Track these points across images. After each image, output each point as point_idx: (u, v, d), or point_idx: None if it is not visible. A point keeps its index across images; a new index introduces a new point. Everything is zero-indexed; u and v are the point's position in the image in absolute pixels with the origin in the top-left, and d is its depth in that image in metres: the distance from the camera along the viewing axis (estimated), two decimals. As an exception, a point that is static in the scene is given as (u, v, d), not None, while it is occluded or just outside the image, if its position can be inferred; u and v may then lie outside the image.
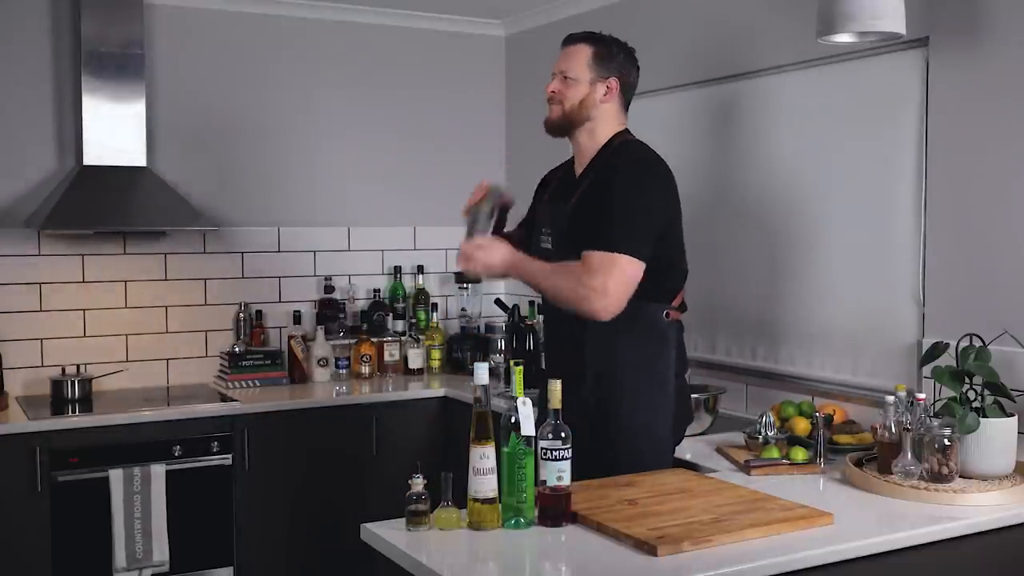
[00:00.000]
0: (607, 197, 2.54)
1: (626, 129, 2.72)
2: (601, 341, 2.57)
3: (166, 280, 4.23)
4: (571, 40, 2.71)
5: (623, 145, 2.66)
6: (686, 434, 3.05)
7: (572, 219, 2.63)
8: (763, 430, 2.73)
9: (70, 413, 3.71)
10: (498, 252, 2.60)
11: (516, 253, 2.61)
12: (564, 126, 2.69)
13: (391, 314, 4.60)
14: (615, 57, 2.68)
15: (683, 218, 2.67)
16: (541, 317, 2.94)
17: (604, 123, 2.67)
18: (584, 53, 2.66)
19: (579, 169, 2.72)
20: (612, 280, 2.44)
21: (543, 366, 3.09)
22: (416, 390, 4.22)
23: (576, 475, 2.13)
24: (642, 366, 2.58)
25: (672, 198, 2.63)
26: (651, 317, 2.59)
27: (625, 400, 2.56)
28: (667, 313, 2.62)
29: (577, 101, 2.65)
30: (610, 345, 2.57)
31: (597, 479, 2.34)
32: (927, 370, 2.54)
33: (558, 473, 2.05)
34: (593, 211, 2.56)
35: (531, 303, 4.28)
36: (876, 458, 2.46)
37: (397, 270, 4.66)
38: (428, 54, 4.73)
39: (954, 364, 2.40)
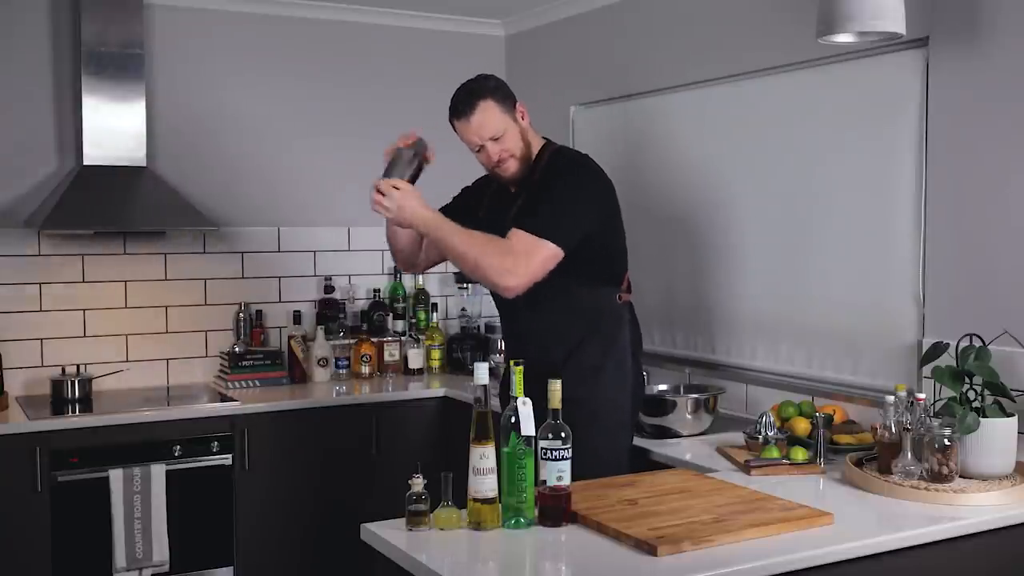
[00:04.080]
0: (544, 190, 2.67)
1: (548, 139, 2.87)
2: (564, 324, 2.71)
3: (166, 280, 4.23)
4: (470, 108, 2.73)
5: (555, 152, 2.81)
6: (685, 435, 3.06)
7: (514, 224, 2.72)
8: (763, 430, 2.73)
9: (70, 413, 3.71)
10: (415, 199, 2.64)
11: (433, 209, 2.66)
12: (524, 171, 2.79)
13: (391, 314, 4.60)
14: (502, 87, 2.80)
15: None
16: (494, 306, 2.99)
17: (533, 141, 2.82)
18: (491, 106, 2.74)
19: (514, 186, 2.83)
20: (532, 263, 2.57)
21: (505, 355, 3.19)
22: (416, 390, 4.22)
23: None
24: (603, 345, 2.74)
25: (607, 194, 2.76)
26: (607, 300, 2.77)
27: (590, 376, 2.71)
28: (619, 296, 2.80)
29: (521, 143, 2.77)
30: (574, 327, 2.73)
31: (597, 479, 2.35)
32: (927, 370, 2.53)
33: (558, 473, 2.05)
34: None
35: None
36: (876, 458, 2.45)
37: (397, 270, 4.66)
38: (428, 54, 4.73)
39: (954, 364, 2.40)
